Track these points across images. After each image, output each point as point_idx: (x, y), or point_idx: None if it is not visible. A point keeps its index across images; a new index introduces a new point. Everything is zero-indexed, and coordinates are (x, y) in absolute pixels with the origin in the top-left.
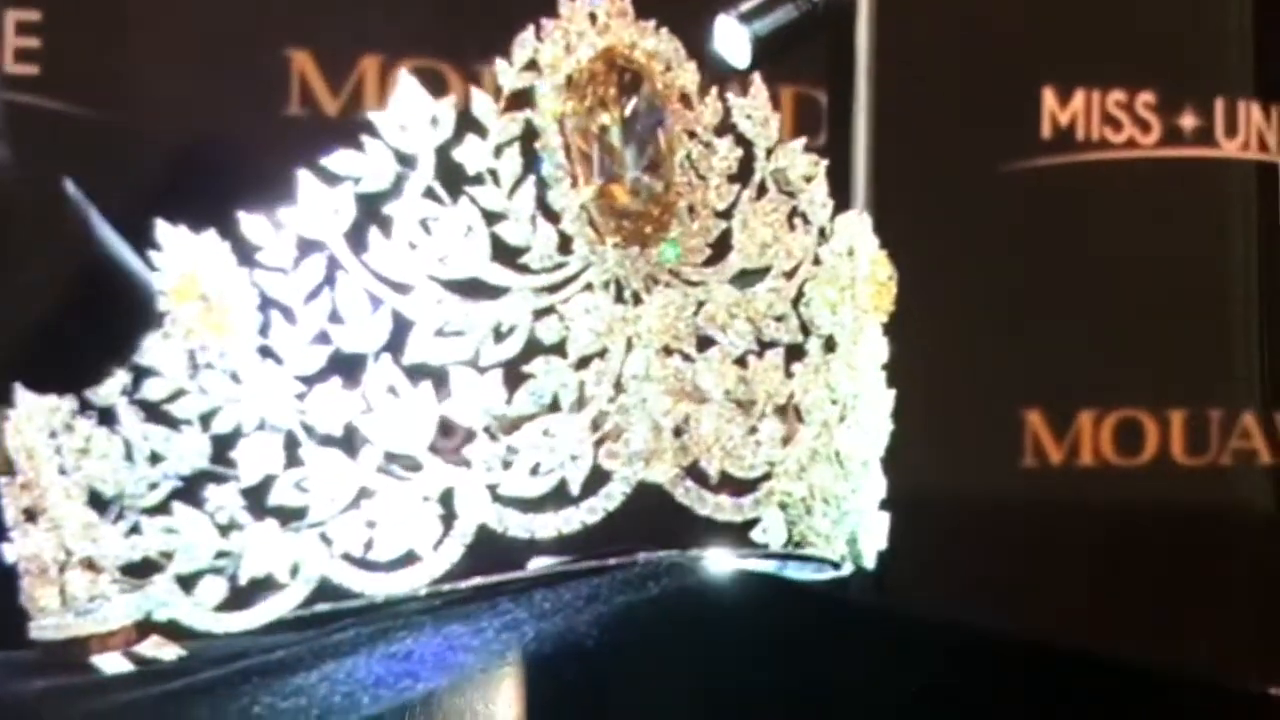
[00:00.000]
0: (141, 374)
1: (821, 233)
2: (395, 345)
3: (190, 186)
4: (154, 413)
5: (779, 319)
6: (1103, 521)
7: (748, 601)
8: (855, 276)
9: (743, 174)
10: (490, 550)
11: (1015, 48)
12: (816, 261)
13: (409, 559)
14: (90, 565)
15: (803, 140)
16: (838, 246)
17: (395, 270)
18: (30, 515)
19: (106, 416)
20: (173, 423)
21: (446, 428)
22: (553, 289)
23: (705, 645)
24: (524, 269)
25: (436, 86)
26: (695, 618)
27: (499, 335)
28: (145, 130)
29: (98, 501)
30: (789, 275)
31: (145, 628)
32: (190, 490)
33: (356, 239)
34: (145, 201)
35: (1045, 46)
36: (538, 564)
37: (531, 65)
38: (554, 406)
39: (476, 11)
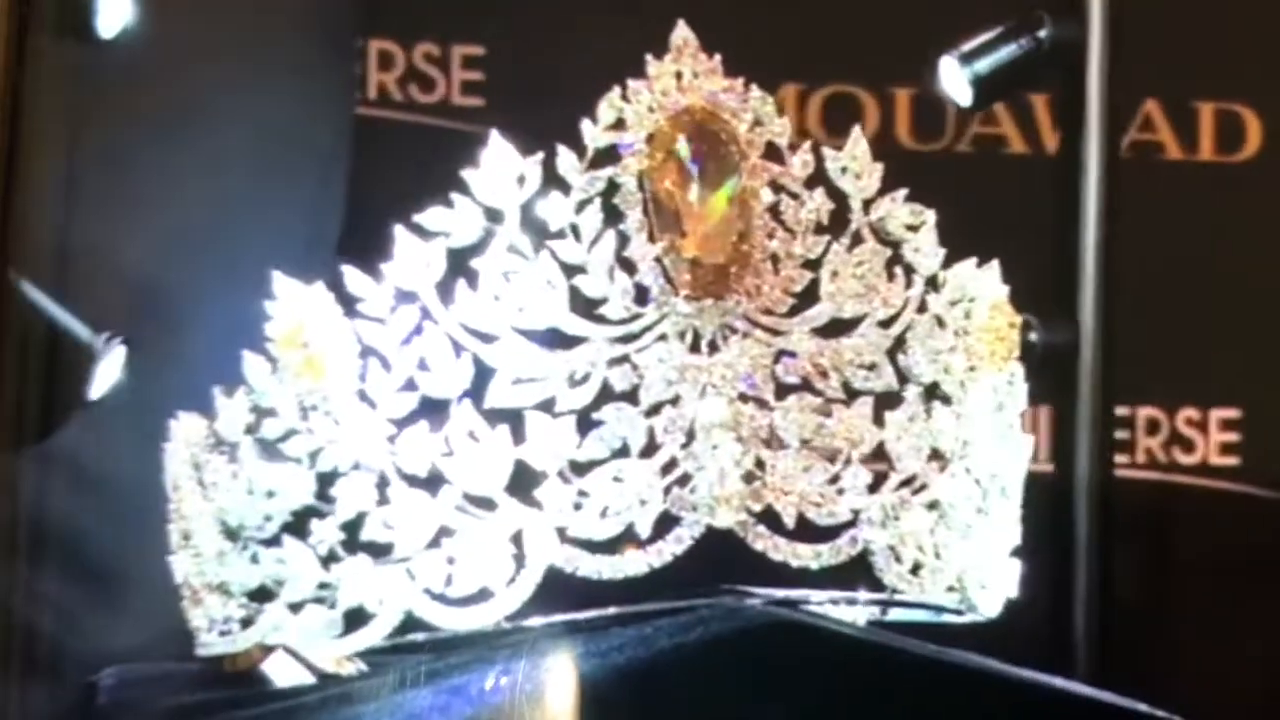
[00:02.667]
0: (262, 414)
1: (932, 282)
2: (476, 391)
3: None
4: (270, 450)
5: (870, 368)
6: None
7: (789, 649)
8: (969, 325)
9: (835, 225)
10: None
11: None
12: (921, 310)
13: (483, 595)
14: (223, 590)
15: (904, 191)
16: (949, 295)
17: (480, 320)
18: (184, 540)
19: (233, 453)
20: (285, 460)
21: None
22: (628, 339)
23: (733, 688)
24: (601, 319)
25: (852, 112)
26: (727, 663)
27: (573, 382)
28: None
29: (228, 531)
30: (885, 325)
31: (266, 648)
32: (298, 524)
33: (445, 291)
34: None
35: None
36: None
37: (618, 124)
38: (623, 452)
39: (890, 38)
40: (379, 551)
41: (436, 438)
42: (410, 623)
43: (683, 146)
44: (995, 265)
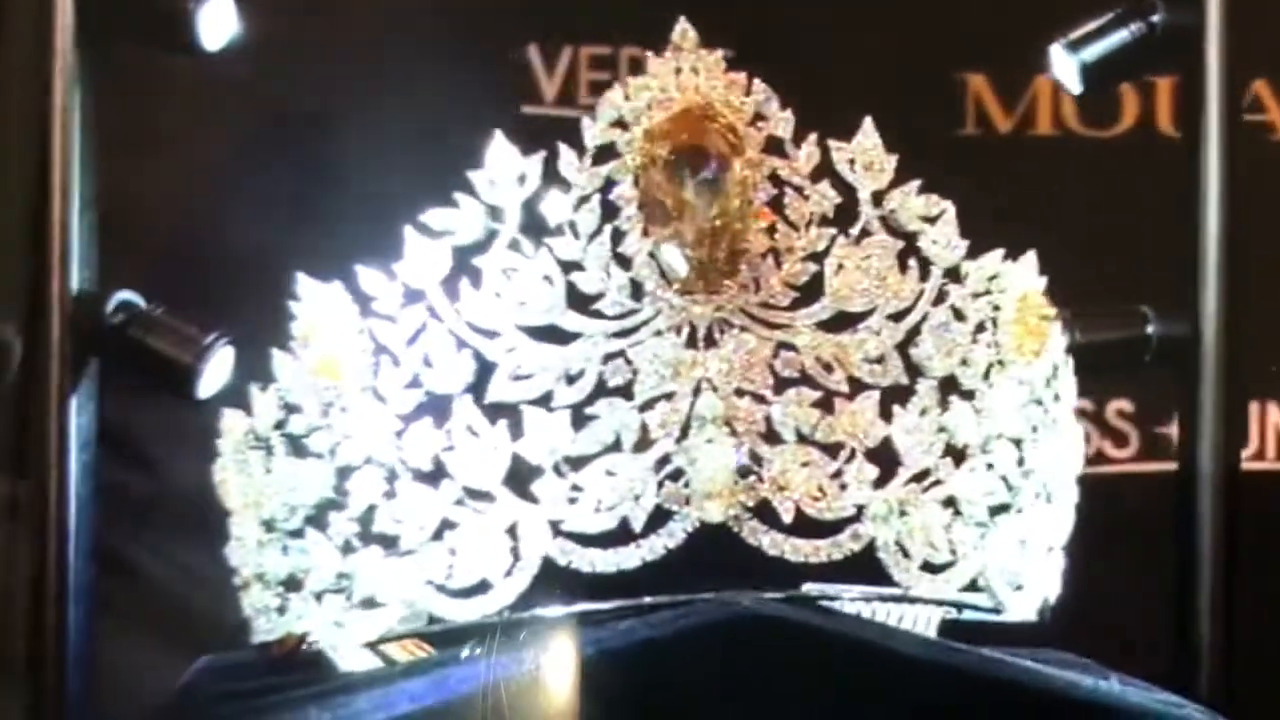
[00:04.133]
0: (290, 410)
1: (954, 274)
2: (477, 387)
3: None
4: (296, 445)
5: (876, 361)
6: None
7: (770, 644)
8: (995, 318)
9: (843, 218)
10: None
11: None
12: (938, 302)
13: (482, 587)
14: (262, 579)
15: (917, 182)
16: (972, 288)
17: (482, 317)
18: (233, 531)
19: (267, 448)
20: (309, 455)
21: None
22: (623, 334)
23: (703, 680)
24: (597, 315)
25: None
26: (699, 655)
27: (569, 378)
28: None
29: (264, 523)
30: (896, 318)
31: (299, 636)
32: (319, 516)
33: (450, 288)
34: None
35: None
36: None
37: (618, 122)
38: (616, 446)
39: None
40: (388, 543)
41: (439, 433)
42: (415, 613)
43: (686, 141)
44: (1031, 257)
